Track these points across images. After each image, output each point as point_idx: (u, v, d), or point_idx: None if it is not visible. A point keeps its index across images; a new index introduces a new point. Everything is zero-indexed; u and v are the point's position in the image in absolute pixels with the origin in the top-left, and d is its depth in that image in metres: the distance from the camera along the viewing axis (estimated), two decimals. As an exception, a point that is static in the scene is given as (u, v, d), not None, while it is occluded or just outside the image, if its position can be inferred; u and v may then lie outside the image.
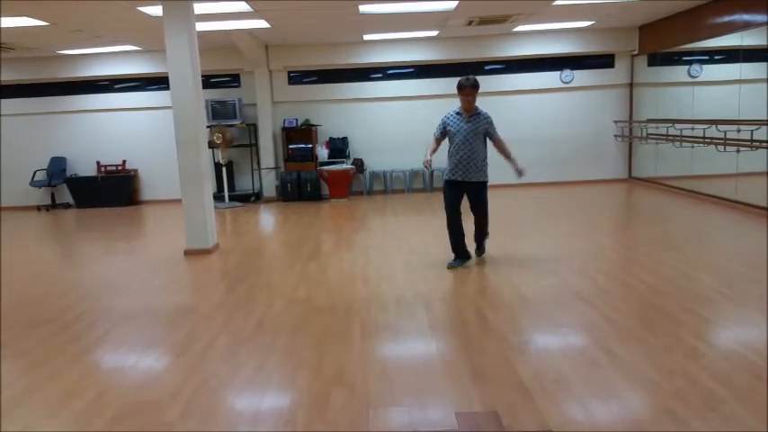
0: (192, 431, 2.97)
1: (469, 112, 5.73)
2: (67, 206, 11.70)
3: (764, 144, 7.49)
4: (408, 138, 11.42)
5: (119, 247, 7.93)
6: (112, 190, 11.46)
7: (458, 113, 5.78)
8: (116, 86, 11.61)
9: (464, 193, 5.84)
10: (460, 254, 5.91)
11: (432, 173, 11.45)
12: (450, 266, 5.85)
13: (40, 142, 11.67)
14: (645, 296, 4.76)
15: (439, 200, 10.39)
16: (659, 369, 3.40)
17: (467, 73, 11.35)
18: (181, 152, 6.99)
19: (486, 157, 5.80)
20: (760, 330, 3.99)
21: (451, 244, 5.92)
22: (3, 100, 11.47)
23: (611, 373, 3.38)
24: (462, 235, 5.89)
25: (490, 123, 5.76)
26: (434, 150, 5.87)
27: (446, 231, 5.92)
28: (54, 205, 11.66)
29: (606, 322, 4.21)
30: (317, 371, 3.61)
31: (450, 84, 11.22)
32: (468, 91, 5.64)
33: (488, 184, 5.87)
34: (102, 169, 11.61)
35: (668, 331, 3.97)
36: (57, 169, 11.53)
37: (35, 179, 11.47)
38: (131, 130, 11.66)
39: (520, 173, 5.71)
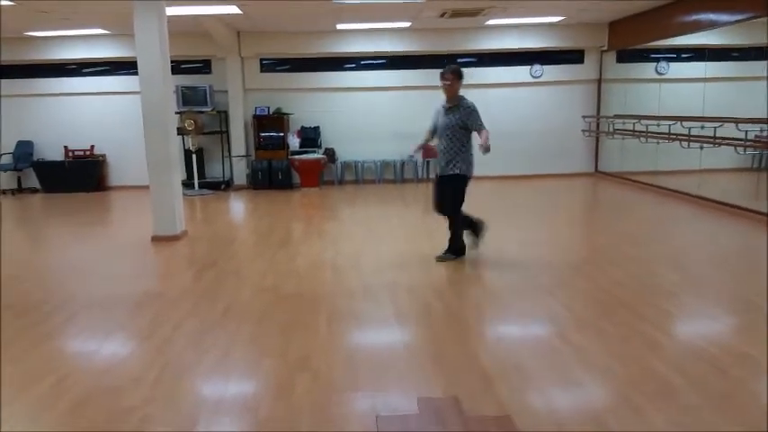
0: (154, 415, 2.98)
1: (450, 102, 5.52)
2: (34, 191, 11.48)
3: (727, 141, 7.68)
4: (380, 128, 11.46)
5: (85, 233, 7.83)
6: (80, 175, 11.27)
7: (443, 105, 5.58)
8: (84, 70, 11.40)
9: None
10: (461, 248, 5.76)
11: (402, 164, 11.49)
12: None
13: (6, 126, 11.40)
14: (607, 288, 4.87)
15: (409, 191, 10.52)
16: (618, 358, 3.49)
17: (439, 65, 11.41)
18: (149, 138, 6.92)
19: (464, 150, 5.49)
20: (717, 323, 4.13)
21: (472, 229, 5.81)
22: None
23: (570, 362, 3.47)
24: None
25: (469, 115, 5.42)
26: (427, 140, 5.74)
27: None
28: (20, 189, 11.43)
29: (568, 313, 4.31)
30: (282, 357, 3.63)
31: (422, 75, 11.42)
32: (443, 76, 5.45)
33: (465, 178, 5.54)
34: (70, 154, 11.38)
35: (628, 322, 4.08)
36: (23, 153, 11.30)
37: (1, 163, 11.22)
38: (100, 114, 11.46)
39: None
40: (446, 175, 5.56)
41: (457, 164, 5.50)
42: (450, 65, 5.56)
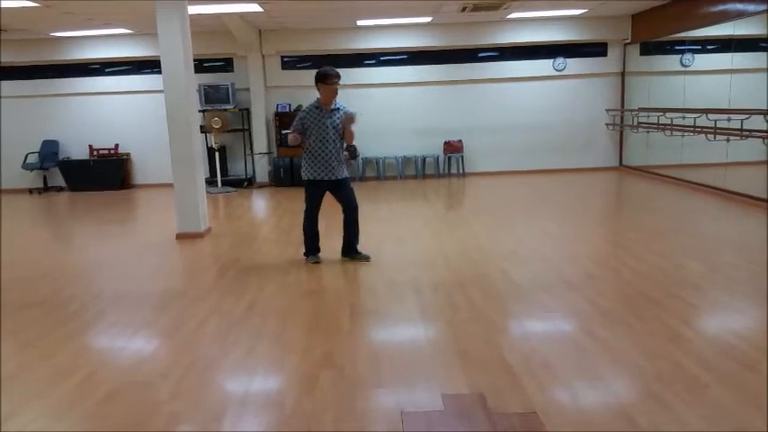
0: (181, 411, 3.01)
1: (330, 104, 5.53)
2: (60, 189, 11.66)
3: (754, 133, 7.54)
4: (401, 124, 11.44)
5: (111, 231, 7.94)
6: (105, 173, 11.44)
7: (317, 107, 5.51)
8: (108, 70, 11.54)
9: (325, 192, 5.67)
10: (317, 249, 5.78)
11: (424, 160, 11.46)
12: (316, 261, 5.71)
13: (32, 125, 11.60)
14: (632, 282, 4.82)
15: (431, 186, 10.49)
16: (644, 353, 3.45)
17: (460, 60, 11.47)
18: (172, 136, 6.98)
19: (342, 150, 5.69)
20: (744, 316, 4.06)
21: (310, 241, 5.75)
22: (-6, 82, 11.43)
23: (596, 357, 3.43)
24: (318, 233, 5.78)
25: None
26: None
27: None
28: (46, 188, 11.61)
29: (593, 307, 4.27)
30: (306, 353, 3.65)
31: (443, 70, 11.39)
32: (337, 80, 5.43)
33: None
34: (95, 153, 11.56)
35: (654, 316, 4.03)
36: (49, 152, 11.48)
37: (27, 162, 11.41)
38: (124, 113, 11.60)
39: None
40: (344, 177, 5.68)
41: (345, 166, 5.69)
42: (333, 68, 5.53)
